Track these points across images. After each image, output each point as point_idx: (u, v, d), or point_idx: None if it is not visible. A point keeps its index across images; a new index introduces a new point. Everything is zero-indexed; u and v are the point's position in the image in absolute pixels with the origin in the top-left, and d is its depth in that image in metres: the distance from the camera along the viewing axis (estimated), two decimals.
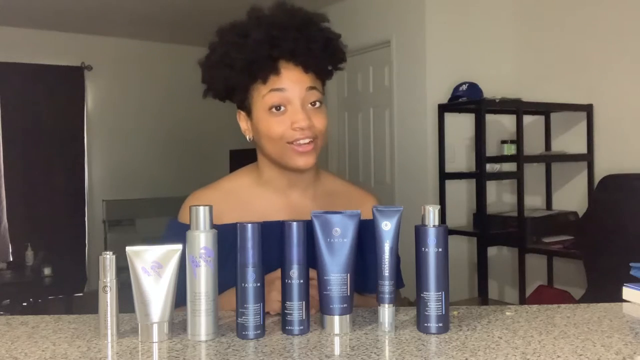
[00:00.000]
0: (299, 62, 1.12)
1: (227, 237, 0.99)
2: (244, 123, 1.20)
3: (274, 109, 1.12)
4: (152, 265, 0.91)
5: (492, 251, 3.80)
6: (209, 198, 1.19)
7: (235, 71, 1.12)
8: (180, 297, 0.93)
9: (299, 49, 1.11)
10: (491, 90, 3.66)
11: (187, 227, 0.92)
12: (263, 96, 1.12)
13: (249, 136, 1.20)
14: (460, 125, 3.93)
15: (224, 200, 1.19)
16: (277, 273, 0.97)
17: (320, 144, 1.15)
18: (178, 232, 1.01)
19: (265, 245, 0.92)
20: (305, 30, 1.13)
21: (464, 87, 3.65)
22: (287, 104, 1.12)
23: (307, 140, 1.12)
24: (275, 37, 1.10)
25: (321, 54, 1.13)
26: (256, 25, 1.13)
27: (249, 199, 1.21)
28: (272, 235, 1.00)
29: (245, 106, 1.17)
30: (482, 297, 3.38)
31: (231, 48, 1.12)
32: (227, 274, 0.98)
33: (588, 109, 3.66)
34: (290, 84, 1.11)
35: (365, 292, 1.17)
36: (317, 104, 1.14)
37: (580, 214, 3.28)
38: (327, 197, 1.23)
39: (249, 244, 0.90)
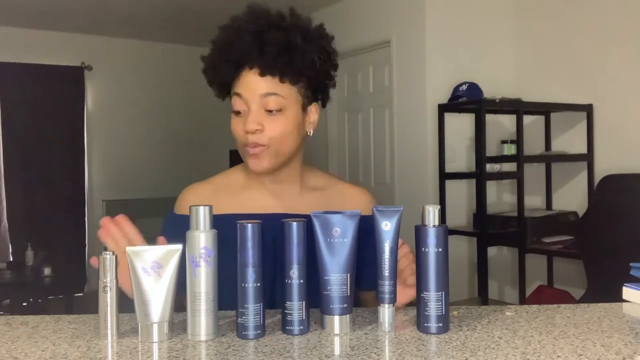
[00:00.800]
0: (252, 66, 1.13)
1: (220, 227, 0.98)
2: None
3: (236, 112, 1.17)
4: (152, 265, 0.91)
5: (492, 251, 3.80)
6: (201, 191, 1.26)
7: (208, 74, 1.20)
8: (181, 286, 0.93)
9: (252, 53, 1.12)
10: (491, 90, 3.67)
11: (179, 217, 0.94)
12: (231, 98, 1.18)
13: None
14: (460, 125, 3.93)
15: (214, 193, 1.24)
16: None
17: (276, 149, 1.15)
18: (175, 223, 1.05)
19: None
20: (265, 34, 1.12)
21: (464, 87, 3.65)
22: (244, 107, 1.15)
23: (254, 146, 1.15)
24: (230, 42, 1.15)
25: (277, 57, 1.11)
26: (224, 27, 1.18)
27: (238, 192, 1.26)
28: (263, 226, 0.99)
29: None
30: (482, 297, 3.38)
31: (210, 51, 1.19)
32: (220, 266, 0.97)
33: (588, 109, 3.66)
34: (246, 89, 1.15)
35: (362, 288, 1.17)
36: (274, 111, 1.14)
37: (580, 214, 3.28)
38: (314, 192, 1.26)
39: (249, 243, 0.90)
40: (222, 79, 1.18)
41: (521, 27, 4.13)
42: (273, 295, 1.11)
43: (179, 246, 0.92)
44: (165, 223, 1.27)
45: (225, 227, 0.95)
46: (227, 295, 0.93)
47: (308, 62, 1.15)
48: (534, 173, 3.91)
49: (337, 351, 0.86)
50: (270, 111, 1.14)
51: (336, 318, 0.92)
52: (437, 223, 0.92)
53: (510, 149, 3.57)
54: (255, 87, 1.14)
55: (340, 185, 1.30)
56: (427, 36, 4.01)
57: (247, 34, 1.13)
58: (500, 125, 4.00)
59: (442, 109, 3.64)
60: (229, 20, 1.19)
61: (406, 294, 1.03)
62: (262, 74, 1.13)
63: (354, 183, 1.35)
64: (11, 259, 5.32)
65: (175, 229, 0.96)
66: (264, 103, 1.14)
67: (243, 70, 1.15)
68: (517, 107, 3.50)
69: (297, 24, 1.17)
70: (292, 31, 1.14)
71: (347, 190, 1.29)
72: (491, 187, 3.95)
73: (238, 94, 1.15)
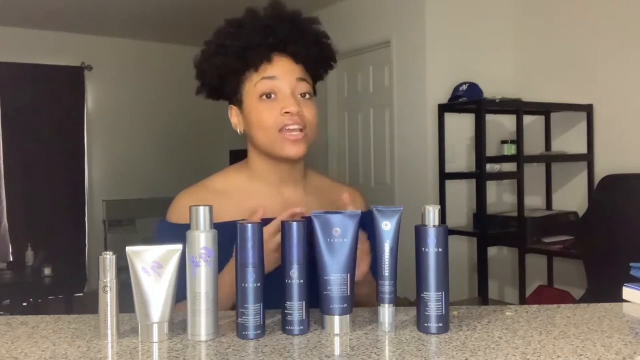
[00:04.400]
0: (290, 52, 1.17)
1: (224, 235, 0.98)
2: (235, 118, 1.23)
3: (264, 97, 1.16)
4: (152, 265, 0.91)
5: (492, 251, 3.80)
6: (201, 196, 1.19)
7: (229, 59, 1.17)
8: (180, 292, 0.93)
9: (291, 39, 1.17)
10: (491, 90, 3.66)
11: (177, 226, 0.92)
12: (255, 84, 1.16)
13: (239, 129, 1.23)
14: (460, 125, 3.93)
15: (216, 199, 1.15)
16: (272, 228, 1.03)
17: (310, 136, 1.18)
18: (170, 233, 1.01)
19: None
20: (299, 24, 1.19)
21: (464, 87, 3.65)
22: (277, 91, 1.16)
23: (296, 127, 1.14)
24: (269, 26, 1.17)
25: (312, 47, 1.19)
26: (252, 17, 1.19)
27: (243, 196, 1.21)
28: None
29: (236, 98, 1.21)
30: (482, 297, 3.38)
31: (226, 38, 1.18)
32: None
33: (588, 109, 3.66)
34: (281, 72, 1.16)
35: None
36: (307, 95, 1.18)
37: (580, 214, 3.28)
38: (316, 193, 1.26)
39: (249, 244, 0.90)
40: (253, 63, 1.16)
41: (521, 27, 4.13)
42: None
43: (179, 246, 0.92)
44: (159, 233, 1.19)
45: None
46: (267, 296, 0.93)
47: (330, 57, 1.24)
48: (534, 173, 3.91)
49: (337, 351, 0.86)
50: (303, 96, 1.17)
51: (336, 318, 0.92)
52: (437, 223, 0.92)
53: (510, 149, 3.57)
54: (291, 70, 1.17)
55: (335, 186, 1.32)
56: (427, 36, 4.01)
57: (286, 22, 1.17)
58: (500, 125, 4.00)
59: (442, 109, 3.64)
60: (247, 12, 1.20)
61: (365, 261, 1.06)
62: (297, 60, 1.18)
63: (346, 183, 1.38)
64: (11, 259, 5.32)
65: (172, 239, 0.93)
66: (297, 88, 1.17)
67: (274, 55, 1.17)
68: (517, 107, 3.50)
69: (319, 25, 1.23)
70: (318, 29, 1.22)
71: (341, 190, 1.29)
72: (491, 187, 3.95)
73: (271, 77, 1.16)
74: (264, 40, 1.15)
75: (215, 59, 1.18)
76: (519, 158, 3.42)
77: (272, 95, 1.15)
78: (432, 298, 0.91)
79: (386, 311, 0.93)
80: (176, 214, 1.18)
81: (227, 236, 0.94)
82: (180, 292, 0.93)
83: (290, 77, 1.16)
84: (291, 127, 1.14)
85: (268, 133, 1.15)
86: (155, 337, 0.90)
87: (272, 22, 1.17)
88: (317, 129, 1.20)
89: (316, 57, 1.21)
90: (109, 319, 0.91)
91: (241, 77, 1.18)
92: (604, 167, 3.52)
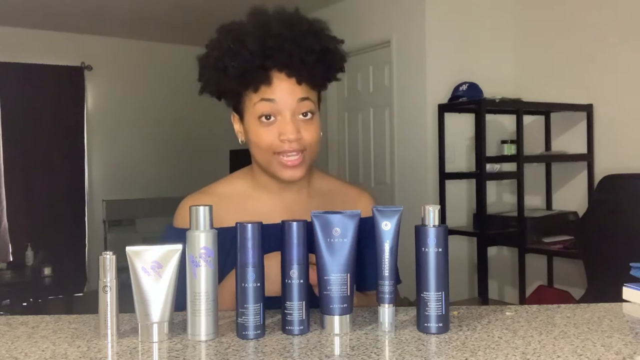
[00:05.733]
0: (292, 74, 1.11)
1: (226, 241, 0.98)
2: (237, 125, 1.21)
3: (263, 118, 1.11)
4: (152, 265, 0.91)
5: (492, 251, 3.80)
6: (204, 202, 1.18)
7: (227, 77, 1.12)
8: (180, 301, 0.93)
9: (292, 61, 1.09)
10: (491, 90, 3.67)
11: (183, 231, 0.92)
12: (254, 104, 1.12)
13: (241, 139, 1.20)
14: (460, 125, 3.93)
15: (219, 204, 1.15)
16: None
17: (310, 156, 1.15)
18: (175, 238, 1.01)
19: (263, 247, 0.92)
20: (302, 42, 1.10)
21: (464, 87, 3.65)
22: (277, 114, 1.11)
23: (294, 154, 1.11)
24: (269, 48, 1.09)
25: (316, 65, 1.12)
26: (253, 32, 1.11)
27: (244, 202, 1.21)
28: (270, 237, 0.99)
29: (238, 110, 1.18)
30: (482, 297, 3.38)
31: (226, 53, 1.11)
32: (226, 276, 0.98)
33: (588, 109, 3.66)
34: (281, 95, 1.10)
35: (364, 290, 1.18)
36: (309, 115, 1.13)
37: (580, 214, 3.28)
38: (321, 197, 1.24)
39: (249, 243, 0.90)
40: (251, 86, 1.11)
41: (521, 27, 4.13)
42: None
43: (179, 246, 0.92)
44: (165, 237, 1.20)
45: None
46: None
47: (337, 69, 1.17)
48: (534, 173, 3.91)
49: (337, 351, 0.85)
50: (305, 116, 1.12)
51: (336, 318, 0.92)
52: (437, 223, 0.92)
53: (510, 149, 3.57)
54: (292, 93, 1.11)
55: (343, 188, 1.29)
56: (427, 36, 4.01)
57: (287, 42, 1.09)
58: (500, 125, 4.00)
59: (442, 109, 3.64)
60: (251, 19, 1.13)
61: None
62: (300, 81, 1.11)
63: (355, 185, 1.34)
64: (11, 259, 5.32)
65: (177, 243, 0.94)
66: (298, 108, 1.11)
67: (275, 76, 1.10)
68: (517, 107, 3.50)
69: (328, 30, 1.15)
70: (326, 38, 1.14)
71: (350, 193, 1.28)
72: (491, 187, 3.95)
73: (270, 100, 1.10)
74: (263, 62, 1.09)
75: (214, 73, 1.13)
76: (519, 158, 3.42)
77: (272, 117, 1.11)
78: (432, 298, 0.91)
79: (386, 311, 0.93)
80: (180, 218, 1.20)
81: (227, 242, 0.93)
82: (179, 301, 0.92)
83: (291, 100, 1.10)
84: (289, 154, 1.11)
85: (265, 154, 1.13)
86: (155, 337, 0.90)
87: (273, 42, 1.09)
88: (318, 147, 1.15)
89: (322, 73, 1.14)
90: (109, 319, 0.91)
91: (240, 94, 1.14)
92: (604, 167, 3.53)
